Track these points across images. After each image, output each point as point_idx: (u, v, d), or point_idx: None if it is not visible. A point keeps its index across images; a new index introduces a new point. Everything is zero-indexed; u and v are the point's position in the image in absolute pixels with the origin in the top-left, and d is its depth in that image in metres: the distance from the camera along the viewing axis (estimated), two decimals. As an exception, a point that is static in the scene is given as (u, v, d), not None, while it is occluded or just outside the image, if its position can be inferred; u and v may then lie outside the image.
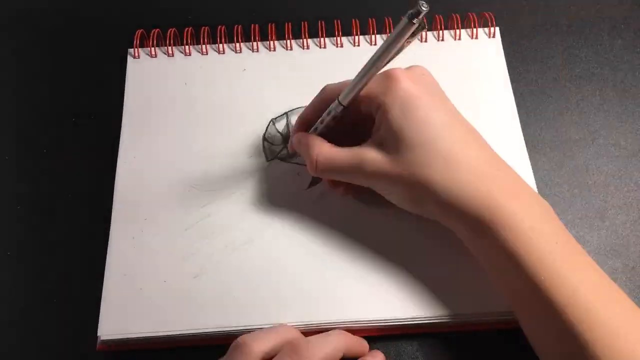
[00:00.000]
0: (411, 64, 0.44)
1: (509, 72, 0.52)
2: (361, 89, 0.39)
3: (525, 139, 0.49)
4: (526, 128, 0.49)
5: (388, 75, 0.39)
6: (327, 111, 0.41)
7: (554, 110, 0.51)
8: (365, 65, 0.38)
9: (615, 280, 0.43)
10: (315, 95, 0.44)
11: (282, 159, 0.47)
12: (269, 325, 0.40)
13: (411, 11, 0.33)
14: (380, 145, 0.39)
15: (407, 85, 0.38)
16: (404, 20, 0.33)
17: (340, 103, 0.40)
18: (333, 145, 0.41)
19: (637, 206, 0.47)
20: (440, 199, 0.37)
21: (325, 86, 0.43)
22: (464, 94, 0.48)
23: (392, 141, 0.38)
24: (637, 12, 0.56)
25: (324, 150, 0.41)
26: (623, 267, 0.44)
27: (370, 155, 0.39)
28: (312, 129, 0.43)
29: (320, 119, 0.42)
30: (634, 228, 0.46)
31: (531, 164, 0.48)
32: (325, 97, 0.42)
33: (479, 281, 0.41)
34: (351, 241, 0.43)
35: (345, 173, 0.41)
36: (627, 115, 0.51)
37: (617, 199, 0.47)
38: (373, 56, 0.37)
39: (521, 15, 0.56)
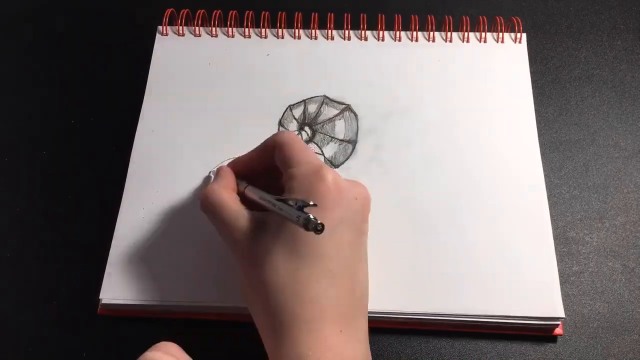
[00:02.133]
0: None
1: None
2: (260, 201, 0.37)
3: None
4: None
5: (319, 177, 0.35)
6: (240, 182, 0.41)
7: (553, 111, 0.51)
8: (267, 196, 0.36)
9: (614, 281, 0.44)
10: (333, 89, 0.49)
11: None
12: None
13: (310, 221, 0.30)
14: (264, 223, 0.36)
15: (329, 202, 0.34)
16: (300, 221, 0.31)
17: (244, 192, 0.40)
18: (233, 195, 0.39)
19: (637, 207, 0.47)
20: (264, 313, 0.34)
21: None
22: (484, 96, 0.49)
23: (276, 231, 0.35)
24: (636, 13, 0.56)
25: (218, 192, 0.38)
26: (622, 268, 0.44)
27: (253, 230, 0.36)
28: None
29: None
30: (633, 229, 0.46)
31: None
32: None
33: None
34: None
35: (222, 227, 0.37)
36: (626, 116, 0.51)
37: (616, 200, 0.47)
38: (274, 199, 0.35)
39: (520, 16, 0.56)
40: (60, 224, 0.46)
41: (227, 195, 0.38)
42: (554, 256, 0.42)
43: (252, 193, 0.38)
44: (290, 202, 0.33)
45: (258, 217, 0.36)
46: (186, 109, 0.49)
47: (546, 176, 0.48)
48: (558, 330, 0.41)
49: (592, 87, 0.52)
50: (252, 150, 0.41)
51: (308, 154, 0.37)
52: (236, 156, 0.44)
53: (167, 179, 0.46)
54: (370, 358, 0.35)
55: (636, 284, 0.44)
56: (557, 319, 0.40)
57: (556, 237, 0.45)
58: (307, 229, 0.30)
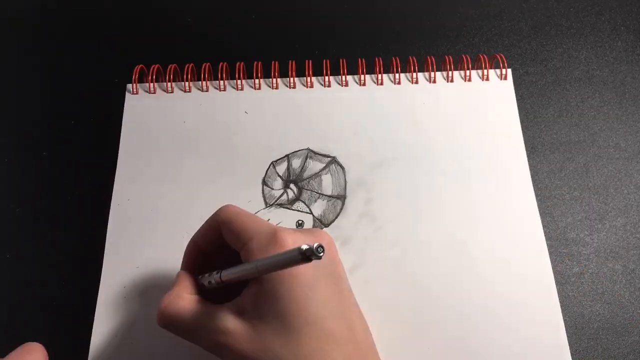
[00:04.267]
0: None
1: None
2: (242, 276, 0.33)
3: (524, 141, 0.49)
4: (526, 130, 0.49)
5: (277, 244, 0.33)
6: (207, 275, 0.36)
7: (554, 112, 0.51)
8: (246, 265, 0.33)
9: (614, 282, 0.44)
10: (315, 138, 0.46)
11: (282, 205, 0.45)
12: None
13: (306, 249, 0.26)
14: (241, 313, 0.33)
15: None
16: (296, 255, 0.27)
17: (221, 279, 0.35)
18: (193, 297, 0.35)
19: (637, 208, 0.47)
20: None
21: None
22: (473, 138, 0.47)
23: (257, 314, 0.32)
24: (637, 14, 0.56)
25: (174, 303, 0.34)
26: (623, 270, 0.44)
27: (231, 325, 0.33)
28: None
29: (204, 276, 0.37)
30: (634, 230, 0.46)
31: (531, 167, 0.48)
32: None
33: None
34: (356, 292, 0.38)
35: (191, 337, 0.34)
36: (626, 117, 0.51)
37: (617, 201, 0.47)
38: (257, 262, 0.31)
39: (521, 17, 0.56)
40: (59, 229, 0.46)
41: (186, 302, 0.34)
42: (562, 322, 0.41)
43: (230, 274, 0.34)
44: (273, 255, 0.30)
45: (231, 308, 0.33)
46: (163, 172, 0.46)
47: (546, 177, 0.48)
48: None
49: (593, 88, 0.52)
50: (195, 234, 0.38)
51: (258, 224, 0.34)
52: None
53: (148, 253, 0.43)
54: None
55: (636, 285, 0.44)
56: None
57: (556, 238, 0.45)
58: (310, 259, 0.27)
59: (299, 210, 0.45)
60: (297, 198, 0.45)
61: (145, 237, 0.44)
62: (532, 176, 0.47)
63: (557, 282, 0.43)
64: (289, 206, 0.45)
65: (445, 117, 0.48)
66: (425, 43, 0.54)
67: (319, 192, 0.46)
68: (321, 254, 0.26)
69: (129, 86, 0.50)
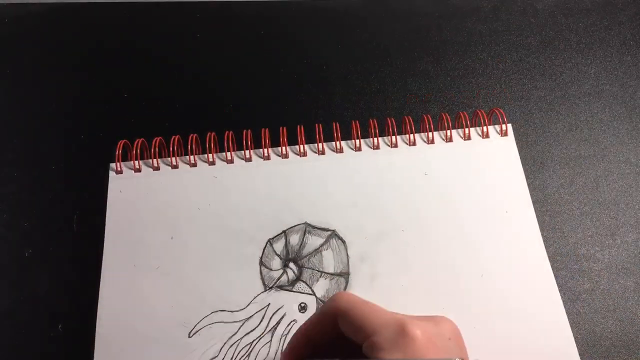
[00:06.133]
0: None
1: (517, 88, 0.52)
2: None
3: (534, 156, 0.49)
4: (535, 145, 0.49)
5: (408, 338, 0.30)
6: None
7: (564, 127, 0.51)
8: None
9: (626, 299, 0.43)
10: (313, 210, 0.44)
11: (282, 287, 0.42)
12: None
13: None
14: None
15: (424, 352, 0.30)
16: None
17: None
18: None
19: (649, 224, 0.46)
20: None
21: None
22: (477, 197, 0.45)
23: None
24: (646, 28, 0.56)
25: None
26: (635, 286, 0.44)
27: None
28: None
29: None
30: (645, 246, 0.45)
31: (541, 182, 0.47)
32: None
33: None
34: None
35: None
36: (637, 132, 0.50)
37: (628, 216, 0.47)
38: None
39: (529, 32, 0.56)
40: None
41: None
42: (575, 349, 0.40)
43: None
44: None
45: None
46: (152, 264, 0.43)
47: (556, 192, 0.47)
48: None
49: (602, 102, 0.52)
50: (307, 323, 0.35)
51: (380, 314, 0.32)
52: (217, 311, 0.41)
53: (139, 350, 0.40)
54: None
55: (649, 302, 0.43)
56: None
57: (567, 254, 0.45)
58: None
59: (300, 292, 0.42)
60: (297, 278, 0.42)
61: (135, 331, 0.41)
62: (542, 191, 0.47)
63: (568, 299, 0.43)
64: (289, 287, 0.42)
65: (446, 181, 0.46)
66: (433, 58, 0.54)
67: (321, 270, 0.43)
68: None
69: (112, 165, 0.46)
